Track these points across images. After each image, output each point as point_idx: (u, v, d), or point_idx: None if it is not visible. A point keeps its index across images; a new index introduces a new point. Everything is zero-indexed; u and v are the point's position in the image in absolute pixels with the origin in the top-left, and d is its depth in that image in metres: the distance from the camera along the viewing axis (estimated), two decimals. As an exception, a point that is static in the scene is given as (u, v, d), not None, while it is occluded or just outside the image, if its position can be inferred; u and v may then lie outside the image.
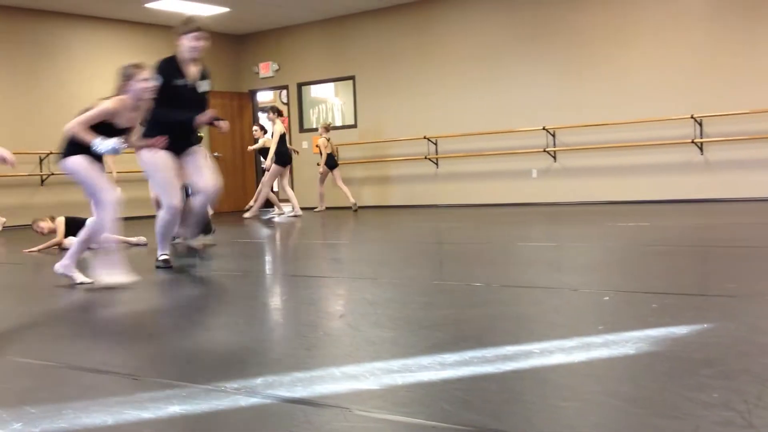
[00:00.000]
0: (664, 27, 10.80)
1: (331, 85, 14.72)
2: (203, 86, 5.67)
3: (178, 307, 3.79)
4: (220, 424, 1.88)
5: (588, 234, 6.68)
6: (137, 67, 4.66)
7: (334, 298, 3.91)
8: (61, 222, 7.11)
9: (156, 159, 5.13)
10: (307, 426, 1.82)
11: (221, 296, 4.07)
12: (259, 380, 2.22)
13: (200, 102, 5.64)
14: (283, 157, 11.74)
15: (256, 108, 15.84)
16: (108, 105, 4.50)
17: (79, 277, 4.60)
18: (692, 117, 10.41)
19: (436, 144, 12.94)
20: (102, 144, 4.29)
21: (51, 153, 12.30)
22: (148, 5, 12.44)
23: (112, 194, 4.47)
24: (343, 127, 14.22)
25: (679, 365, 2.21)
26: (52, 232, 7.09)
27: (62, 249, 6.90)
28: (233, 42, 15.37)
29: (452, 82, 12.74)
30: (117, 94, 4.59)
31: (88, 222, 4.73)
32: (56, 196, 12.52)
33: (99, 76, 13.13)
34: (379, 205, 13.63)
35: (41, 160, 12.29)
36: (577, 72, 11.52)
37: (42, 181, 12.32)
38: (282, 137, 11.75)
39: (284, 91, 15.62)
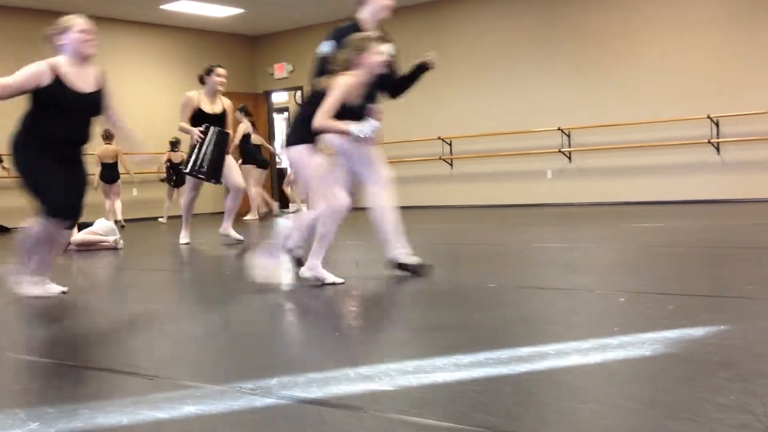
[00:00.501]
0: (680, 27, 10.74)
1: (346, 85, 14.70)
2: (391, 51, 4.76)
3: (194, 310, 3.81)
4: (234, 425, 1.89)
5: (603, 235, 6.65)
6: (369, 39, 4.15)
7: (348, 299, 3.91)
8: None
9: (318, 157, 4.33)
10: (323, 427, 1.82)
11: (235, 298, 4.09)
12: (273, 381, 2.23)
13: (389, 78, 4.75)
14: (252, 156, 11.82)
15: (271, 109, 15.89)
16: (348, 81, 3.98)
17: (330, 277, 4.12)
18: (708, 117, 10.34)
19: (450, 144, 12.93)
20: (363, 128, 3.87)
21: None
22: (164, 7, 12.51)
23: (340, 197, 4.11)
24: (358, 127, 14.20)
25: (695, 367, 2.20)
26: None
27: (67, 249, 7.10)
28: (248, 43, 15.42)
29: (467, 83, 12.72)
30: (347, 70, 4.02)
31: (310, 216, 4.24)
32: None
33: (114, 79, 13.21)
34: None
35: (58, 161, 12.35)
36: (592, 72, 11.47)
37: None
38: (245, 137, 11.73)
39: (299, 92, 15.65)
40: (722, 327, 2.69)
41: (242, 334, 3.08)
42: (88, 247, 7.23)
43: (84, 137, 4.08)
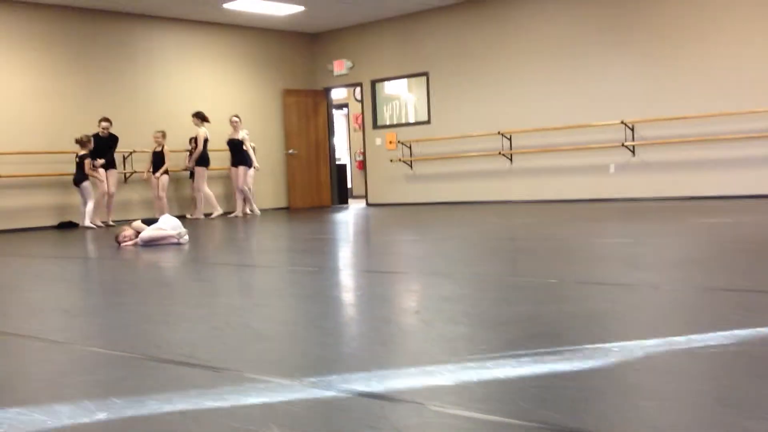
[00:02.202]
0: (748, 17, 10.43)
1: (405, 81, 14.74)
2: None
3: (255, 303, 3.86)
4: (297, 417, 1.91)
5: (668, 230, 6.51)
6: None
7: (407, 293, 3.91)
8: (139, 223, 7.71)
9: None
10: (383, 421, 1.83)
11: (298, 291, 4.13)
12: (335, 374, 2.24)
13: None
14: (206, 160, 12.51)
15: (330, 105, 15.99)
16: None
17: None
18: (779, 109, 10.03)
19: (510, 139, 12.82)
20: None
21: (134, 152, 12.69)
22: (226, 6, 12.70)
23: None
24: (417, 123, 14.22)
25: (765, 365, 2.13)
26: (136, 236, 7.52)
27: (134, 245, 7.44)
28: (308, 40, 15.54)
29: (526, 77, 12.59)
30: None
31: None
32: (137, 193, 12.91)
33: (177, 77, 13.47)
34: (452, 201, 13.58)
35: (124, 159, 12.67)
36: (656, 64, 11.23)
37: (125, 178, 12.71)
38: (206, 142, 12.39)
39: (358, 88, 15.71)
40: (794, 324, 2.60)
41: (304, 327, 3.11)
42: (155, 243, 7.40)
43: None
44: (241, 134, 12.61)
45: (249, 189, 12.80)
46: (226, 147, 12.83)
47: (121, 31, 12.66)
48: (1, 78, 11.49)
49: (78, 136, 11.36)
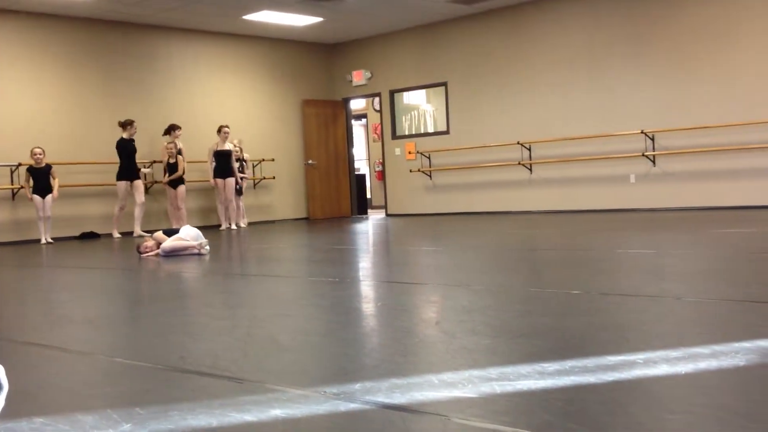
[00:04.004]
0: (771, 24, 10.35)
1: (423, 91, 14.75)
2: None
3: (277, 314, 3.86)
4: (319, 429, 1.91)
5: (691, 241, 6.46)
6: None
7: (428, 304, 3.91)
8: (160, 234, 7.78)
9: None
10: (406, 433, 1.82)
11: (319, 302, 4.13)
12: (357, 386, 2.24)
13: None
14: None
15: (349, 116, 16.04)
16: None
17: None
18: (802, 118, 9.93)
19: (530, 149, 12.79)
20: None
21: (154, 162, 12.78)
22: (245, 17, 12.78)
23: None
24: (436, 133, 14.22)
25: (793, 378, 2.11)
26: (158, 247, 7.59)
27: (156, 256, 7.52)
28: (327, 51, 15.61)
29: (545, 86, 12.56)
30: None
31: None
32: (159, 204, 13.00)
33: (197, 88, 13.56)
34: (472, 212, 13.56)
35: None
36: (676, 73, 11.17)
37: (146, 189, 12.81)
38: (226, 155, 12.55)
39: (377, 99, 15.74)
40: (822, 336, 2.57)
41: (326, 338, 3.11)
42: (176, 253, 7.44)
43: None
44: (229, 145, 12.50)
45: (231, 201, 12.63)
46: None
47: (142, 43, 12.78)
48: (22, 89, 11.62)
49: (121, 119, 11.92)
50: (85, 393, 2.41)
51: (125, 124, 11.71)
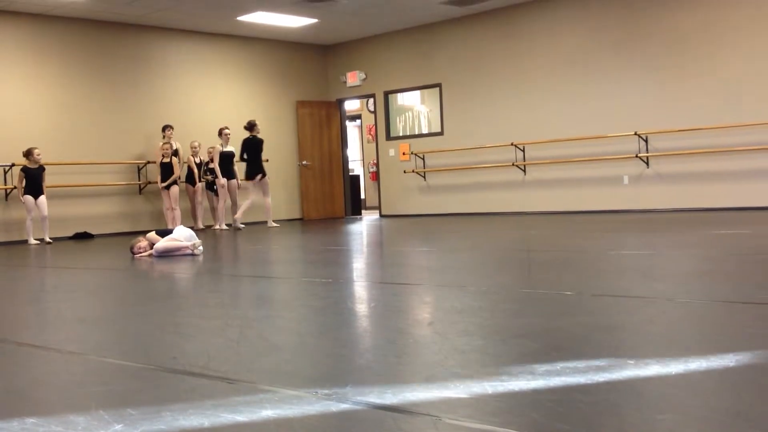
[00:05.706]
0: (762, 30, 10.39)
1: (417, 92, 14.76)
2: None
3: (269, 314, 3.86)
4: (311, 429, 1.91)
5: (683, 242, 6.48)
6: None
7: (421, 305, 3.91)
8: (153, 234, 7.75)
9: None
10: (398, 433, 1.83)
11: (312, 303, 4.13)
12: (349, 386, 2.24)
13: None
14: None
15: (344, 117, 16.04)
16: None
17: None
18: (794, 120, 9.97)
19: (523, 151, 12.81)
20: None
21: (148, 162, 12.77)
22: (240, 18, 12.78)
23: None
24: (430, 134, 14.24)
25: (783, 379, 2.12)
26: (151, 247, 7.57)
27: (149, 256, 7.51)
28: (321, 52, 15.61)
29: (539, 88, 12.59)
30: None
31: None
32: (152, 204, 12.99)
33: (192, 89, 13.55)
34: (466, 213, 13.57)
35: (139, 170, 12.76)
36: (672, 74, 11.20)
37: (140, 189, 12.78)
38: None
39: (371, 100, 15.76)
40: (812, 338, 2.58)
41: (318, 339, 3.11)
42: (170, 254, 7.43)
43: None
44: (230, 147, 12.52)
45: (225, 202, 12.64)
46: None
47: (137, 43, 12.76)
48: (19, 90, 11.60)
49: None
50: (77, 393, 2.41)
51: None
